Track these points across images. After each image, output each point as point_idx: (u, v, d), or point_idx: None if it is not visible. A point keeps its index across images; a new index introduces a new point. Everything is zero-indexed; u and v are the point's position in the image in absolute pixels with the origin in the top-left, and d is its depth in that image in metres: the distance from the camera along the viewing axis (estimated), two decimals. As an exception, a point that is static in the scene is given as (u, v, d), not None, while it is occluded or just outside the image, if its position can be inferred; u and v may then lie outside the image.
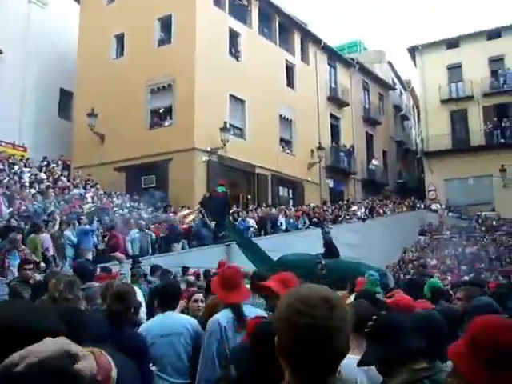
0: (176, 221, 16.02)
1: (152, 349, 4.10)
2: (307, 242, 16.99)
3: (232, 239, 15.28)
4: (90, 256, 11.79)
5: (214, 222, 16.45)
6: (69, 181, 18.62)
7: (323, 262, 11.21)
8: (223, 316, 3.69)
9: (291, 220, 19.95)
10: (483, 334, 1.80)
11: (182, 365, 4.10)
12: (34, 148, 22.11)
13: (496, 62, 34.43)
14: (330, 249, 14.40)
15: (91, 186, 18.83)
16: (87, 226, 12.60)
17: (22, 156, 20.04)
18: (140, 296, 7.32)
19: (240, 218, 18.23)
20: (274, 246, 15.58)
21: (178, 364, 4.08)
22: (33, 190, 14.93)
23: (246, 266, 11.62)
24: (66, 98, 26.13)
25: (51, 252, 10.74)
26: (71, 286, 3.90)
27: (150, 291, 7.67)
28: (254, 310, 3.77)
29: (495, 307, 3.43)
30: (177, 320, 4.25)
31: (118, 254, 11.95)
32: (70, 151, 23.66)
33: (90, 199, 16.73)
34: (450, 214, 31.36)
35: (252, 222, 17.84)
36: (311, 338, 1.35)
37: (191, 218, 16.97)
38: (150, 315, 5.27)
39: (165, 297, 4.38)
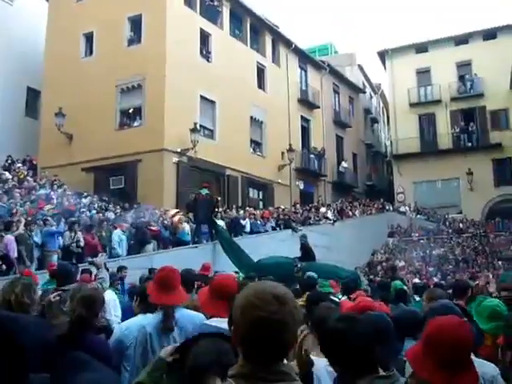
0: (147, 222, 15.88)
1: (130, 350, 3.99)
2: (275, 244, 17.04)
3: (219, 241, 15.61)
4: (55, 258, 11.57)
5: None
6: (35, 181, 18.27)
7: (299, 265, 11.65)
8: (147, 318, 3.67)
9: (258, 222, 19.90)
10: (436, 335, 1.82)
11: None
12: (-1, 147, 21.63)
13: (464, 67, 35.12)
14: (307, 252, 14.88)
15: (58, 187, 18.50)
16: (53, 228, 12.38)
17: (-13, 155, 19.59)
18: (115, 300, 7.22)
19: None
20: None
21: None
22: (-2, 191, 14.59)
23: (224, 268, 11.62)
24: (33, 97, 25.67)
25: (14, 254, 10.48)
26: (28, 289, 3.77)
27: (129, 291, 7.59)
28: (191, 314, 3.74)
29: (452, 309, 3.46)
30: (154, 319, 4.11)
31: (96, 259, 11.66)
32: (36, 151, 23.23)
33: (55, 200, 16.44)
34: (419, 216, 31.78)
35: (222, 224, 17.77)
36: (261, 330, 1.53)
37: (178, 217, 16.87)
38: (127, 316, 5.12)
39: (146, 298, 4.26)
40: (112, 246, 13.59)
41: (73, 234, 12.71)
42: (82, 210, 16.31)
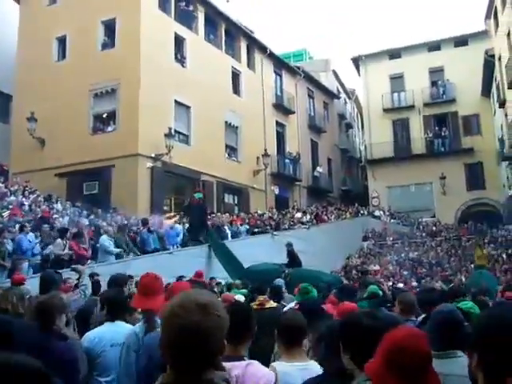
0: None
1: (102, 358, 4.05)
2: (252, 249, 16.99)
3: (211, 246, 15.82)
4: (25, 265, 11.33)
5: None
6: (6, 187, 17.94)
7: (287, 271, 12.04)
8: (139, 326, 3.67)
9: (232, 227, 19.87)
10: (397, 349, 1.82)
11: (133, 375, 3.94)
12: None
13: (436, 72, 35.63)
14: (293, 259, 15.36)
15: (30, 193, 18.20)
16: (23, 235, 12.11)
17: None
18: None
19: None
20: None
21: (129, 374, 3.90)
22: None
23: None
24: (4, 101, 25.23)
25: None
26: (22, 299, 3.79)
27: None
28: None
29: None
30: (127, 329, 4.06)
31: (79, 266, 11.42)
32: (7, 156, 22.83)
33: (27, 206, 16.17)
34: (393, 220, 32.04)
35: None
36: (182, 338, 1.53)
37: (174, 219, 16.92)
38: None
39: (114, 305, 4.21)
40: (107, 251, 13.31)
41: (64, 242, 12.44)
42: (54, 216, 16.08)
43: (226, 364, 2.80)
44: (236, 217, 21.90)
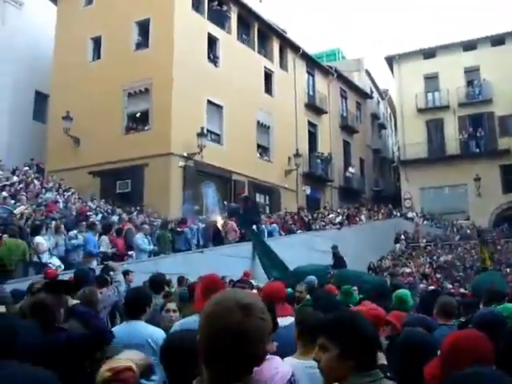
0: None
1: None
2: (282, 249, 16.97)
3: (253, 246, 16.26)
4: (94, 263, 11.45)
5: None
6: (42, 185, 18.28)
7: (331, 272, 12.79)
8: (184, 323, 3.60)
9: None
10: (455, 352, 1.75)
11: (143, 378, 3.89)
12: (7, 151, 21.64)
13: (472, 72, 34.95)
14: (338, 260, 15.79)
15: (64, 191, 18.52)
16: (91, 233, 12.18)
17: (-5, 159, 19.61)
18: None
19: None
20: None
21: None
22: (5, 194, 14.59)
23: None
24: (41, 101, 25.74)
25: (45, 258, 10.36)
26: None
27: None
28: None
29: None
30: (140, 331, 4.03)
31: (112, 263, 11.52)
32: (44, 154, 23.27)
33: (61, 204, 16.44)
34: (426, 222, 31.60)
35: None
36: (221, 340, 1.41)
37: (222, 222, 17.13)
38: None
39: (129, 304, 4.17)
40: (140, 248, 13.46)
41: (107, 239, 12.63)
42: (88, 213, 16.31)
43: None
44: (268, 217, 21.90)
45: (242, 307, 1.45)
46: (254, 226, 17.69)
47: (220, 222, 16.90)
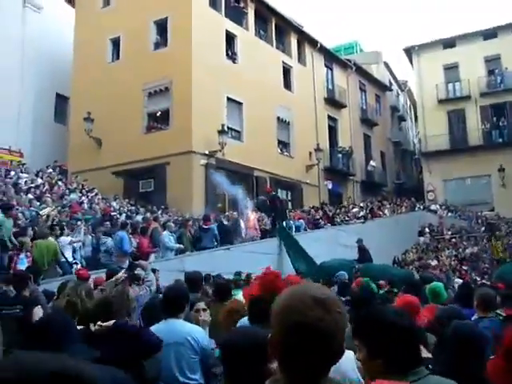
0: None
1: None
2: (307, 243, 16.90)
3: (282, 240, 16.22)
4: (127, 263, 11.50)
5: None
6: (66, 186, 18.45)
7: (357, 266, 12.68)
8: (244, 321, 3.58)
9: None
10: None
11: (184, 377, 3.84)
12: (30, 153, 21.89)
13: (493, 61, 34.42)
14: (363, 254, 15.64)
15: (87, 191, 18.67)
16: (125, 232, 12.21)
17: (19, 161, 19.86)
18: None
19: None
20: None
21: (179, 376, 3.82)
22: (30, 196, 14.75)
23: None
24: (61, 103, 25.99)
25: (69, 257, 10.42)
26: (91, 295, 3.82)
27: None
28: None
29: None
30: (179, 329, 3.98)
31: (141, 262, 11.53)
32: (66, 156, 23.47)
33: (85, 204, 16.57)
34: (450, 214, 31.24)
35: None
36: (302, 338, 1.34)
37: (253, 217, 17.36)
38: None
39: (167, 302, 4.14)
40: (167, 246, 13.51)
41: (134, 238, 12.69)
42: (112, 213, 16.41)
43: None
44: (293, 212, 21.92)
45: (320, 302, 1.38)
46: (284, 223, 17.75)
47: (252, 217, 17.01)
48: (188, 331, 3.94)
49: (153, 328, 4.03)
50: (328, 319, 1.36)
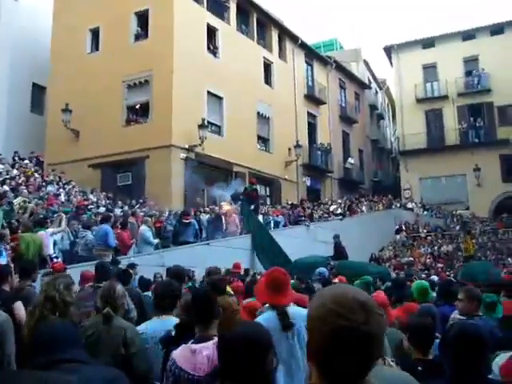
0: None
1: None
2: (288, 240, 16.90)
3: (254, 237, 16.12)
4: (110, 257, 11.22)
5: None
6: (42, 178, 18.14)
7: (332, 263, 12.54)
8: (265, 319, 3.57)
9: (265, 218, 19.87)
10: None
11: None
12: (4, 144, 21.45)
13: (470, 62, 34.84)
14: (340, 251, 15.56)
15: (64, 184, 18.39)
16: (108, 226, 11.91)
17: (-7, 152, 19.45)
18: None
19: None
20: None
21: None
22: (6, 187, 14.45)
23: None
24: (38, 93, 25.49)
25: (49, 251, 10.15)
26: (69, 288, 3.69)
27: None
28: (298, 310, 3.74)
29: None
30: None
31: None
32: (42, 147, 23.06)
33: (63, 197, 16.32)
34: (425, 212, 31.59)
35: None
36: (345, 342, 1.31)
37: (227, 207, 16.98)
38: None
39: (161, 298, 4.05)
40: (147, 241, 13.31)
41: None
42: (90, 206, 16.18)
43: (195, 346, 2.99)
44: (272, 208, 21.89)
45: (363, 304, 1.35)
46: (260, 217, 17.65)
47: (226, 208, 16.81)
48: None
49: (146, 325, 3.96)
50: (371, 322, 1.33)
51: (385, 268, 18.23)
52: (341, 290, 1.41)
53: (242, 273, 10.70)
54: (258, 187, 17.55)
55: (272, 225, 18.68)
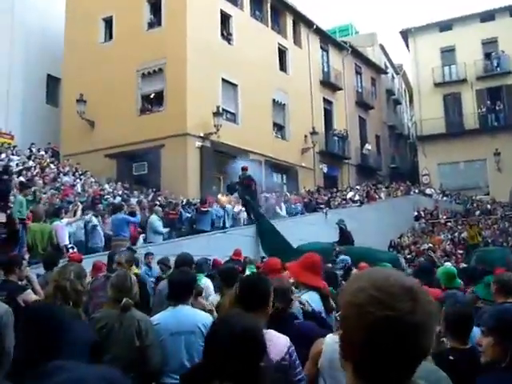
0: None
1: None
2: (304, 228, 16.71)
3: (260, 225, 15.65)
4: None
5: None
6: (58, 169, 18.12)
7: (337, 249, 12.05)
8: (311, 299, 3.69)
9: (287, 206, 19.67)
10: None
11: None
12: (21, 135, 21.46)
13: (489, 44, 34.13)
14: (345, 236, 15.11)
15: (80, 174, 18.36)
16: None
17: (9, 144, 19.48)
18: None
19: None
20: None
21: (188, 365, 3.58)
22: (22, 178, 14.42)
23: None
24: (53, 84, 25.46)
25: (64, 241, 10.05)
26: (80, 276, 3.54)
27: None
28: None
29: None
30: (189, 317, 3.77)
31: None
32: (58, 138, 23.06)
33: (79, 187, 16.28)
34: (445, 198, 31.14)
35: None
36: (389, 335, 1.10)
37: (224, 199, 16.87)
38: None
39: (176, 287, 3.89)
40: (156, 231, 13.19)
41: None
42: (106, 196, 16.14)
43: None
44: (290, 196, 21.66)
45: (408, 291, 1.14)
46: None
47: (222, 200, 16.64)
48: (199, 319, 3.73)
49: (161, 315, 3.81)
50: (420, 311, 1.12)
51: (394, 254, 17.96)
52: (382, 274, 1.20)
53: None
54: (251, 173, 16.77)
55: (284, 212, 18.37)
